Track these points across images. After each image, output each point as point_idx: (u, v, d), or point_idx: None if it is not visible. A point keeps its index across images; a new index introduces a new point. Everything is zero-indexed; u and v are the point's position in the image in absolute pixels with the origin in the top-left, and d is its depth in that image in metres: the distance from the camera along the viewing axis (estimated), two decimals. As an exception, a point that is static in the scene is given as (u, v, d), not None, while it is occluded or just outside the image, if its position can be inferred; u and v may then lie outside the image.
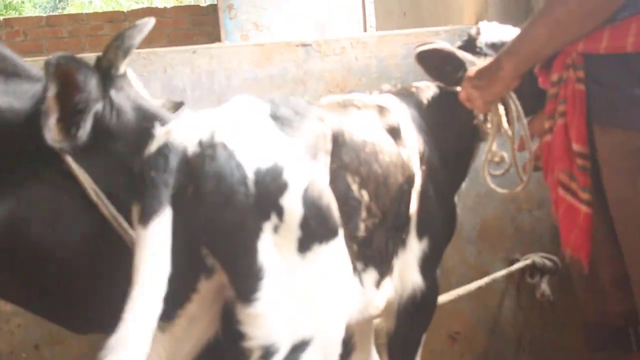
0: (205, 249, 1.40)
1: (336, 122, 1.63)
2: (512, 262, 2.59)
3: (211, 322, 1.56)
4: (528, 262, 2.54)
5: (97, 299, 1.74)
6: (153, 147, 1.37)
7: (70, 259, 1.73)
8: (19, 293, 1.79)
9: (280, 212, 1.33)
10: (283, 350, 1.42)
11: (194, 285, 1.48)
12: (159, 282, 1.30)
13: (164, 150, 1.33)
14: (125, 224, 1.65)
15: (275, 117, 1.44)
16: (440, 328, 2.41)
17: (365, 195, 1.73)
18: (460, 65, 2.04)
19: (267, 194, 1.32)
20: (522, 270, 2.59)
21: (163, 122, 1.55)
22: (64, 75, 1.50)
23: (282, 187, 1.34)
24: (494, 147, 2.06)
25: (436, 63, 2.11)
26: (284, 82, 2.65)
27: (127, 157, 1.69)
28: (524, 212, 2.66)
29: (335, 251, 1.54)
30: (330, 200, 1.46)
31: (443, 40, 2.34)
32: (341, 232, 1.52)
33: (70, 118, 1.54)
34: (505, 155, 2.04)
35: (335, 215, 1.47)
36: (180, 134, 1.33)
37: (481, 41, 2.11)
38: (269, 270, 1.39)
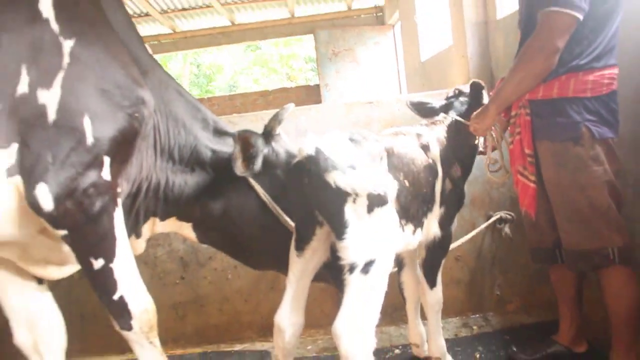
0: (317, 211, 2.12)
1: (388, 142, 2.32)
2: (488, 217, 3.56)
3: (325, 251, 2.26)
4: (497, 216, 3.51)
5: (268, 252, 2.52)
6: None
7: (252, 230, 2.47)
8: (229, 248, 2.59)
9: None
10: (360, 265, 2.04)
11: (314, 231, 2.19)
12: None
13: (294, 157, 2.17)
14: (282, 212, 2.40)
15: (351, 140, 2.16)
16: (449, 254, 3.00)
17: (406, 183, 2.29)
18: (431, 108, 2.85)
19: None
20: (495, 221, 3.51)
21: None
22: (243, 140, 2.28)
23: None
24: (491, 154, 2.79)
25: (419, 107, 2.88)
26: (358, 124, 3.60)
27: (282, 177, 2.44)
28: (495, 189, 3.62)
29: (387, 212, 2.11)
30: (385, 182, 2.13)
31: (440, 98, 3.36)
32: (391, 202, 2.11)
33: (248, 160, 2.30)
34: (498, 158, 2.80)
35: (387, 189, 2.11)
36: (303, 149, 2.04)
37: (454, 96, 2.89)
38: (351, 222, 2.01)
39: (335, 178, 1.97)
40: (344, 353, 2.03)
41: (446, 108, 2.84)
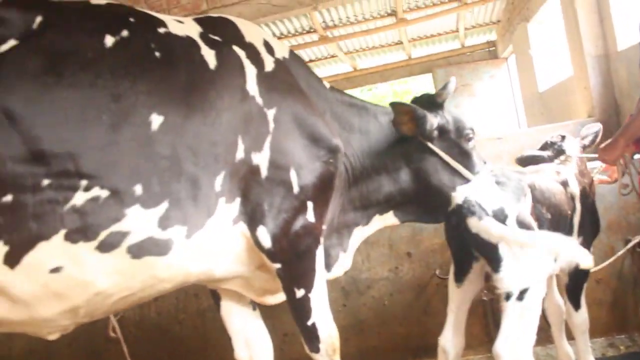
0: (474, 249, 2.52)
1: (530, 179, 2.69)
2: (627, 241, 3.71)
3: (479, 282, 2.64)
4: (637, 240, 3.60)
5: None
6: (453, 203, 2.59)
7: (438, 190, 2.75)
8: (423, 214, 2.89)
9: None
10: (515, 293, 2.39)
11: (470, 265, 2.59)
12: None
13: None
14: (460, 167, 2.69)
15: (497, 183, 2.56)
16: (590, 277, 3.14)
17: (548, 215, 2.65)
18: (542, 158, 3.13)
19: (499, 220, 2.39)
20: (634, 245, 3.64)
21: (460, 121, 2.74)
22: (396, 107, 2.64)
23: (505, 216, 2.42)
24: (623, 180, 2.99)
25: (530, 161, 3.19)
26: (489, 158, 3.41)
27: (455, 139, 2.75)
28: (631, 214, 3.84)
29: None
30: (529, 218, 2.49)
31: (567, 129, 3.87)
32: (535, 230, 2.45)
33: (415, 123, 2.63)
34: (629, 182, 2.98)
35: (532, 223, 2.47)
36: (456, 198, 2.57)
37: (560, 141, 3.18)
38: (505, 257, 2.38)
39: (487, 226, 2.37)
40: None
41: (557, 154, 3.12)
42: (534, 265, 2.41)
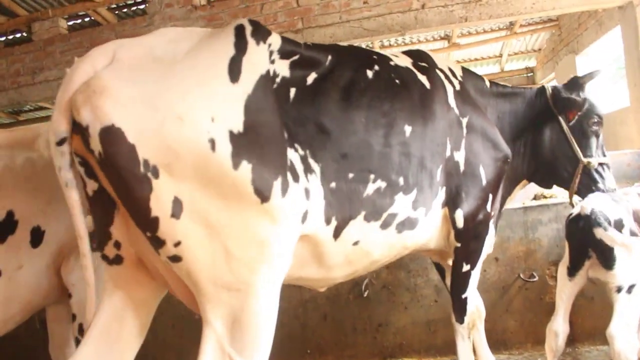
0: (590, 249, 3.09)
1: (635, 200, 3.29)
2: None
3: (585, 278, 3.17)
4: None
5: (565, 171, 3.37)
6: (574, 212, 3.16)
7: (560, 158, 3.33)
8: (547, 178, 3.43)
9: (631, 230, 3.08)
10: (625, 287, 2.94)
11: (583, 262, 3.12)
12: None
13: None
14: (575, 145, 3.26)
15: (612, 200, 3.17)
16: None
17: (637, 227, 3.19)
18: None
19: (617, 229, 2.98)
20: None
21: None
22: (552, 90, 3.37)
23: (622, 226, 3.04)
24: None
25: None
26: None
27: (581, 119, 3.28)
28: None
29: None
30: (635, 229, 3.11)
31: (625, 158, 4.63)
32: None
33: (561, 101, 3.29)
34: None
35: (638, 233, 3.11)
36: (584, 208, 3.07)
37: None
38: (618, 257, 2.92)
39: (612, 236, 2.94)
40: (617, 350, 2.93)
41: None
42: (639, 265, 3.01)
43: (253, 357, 1.88)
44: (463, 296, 3.00)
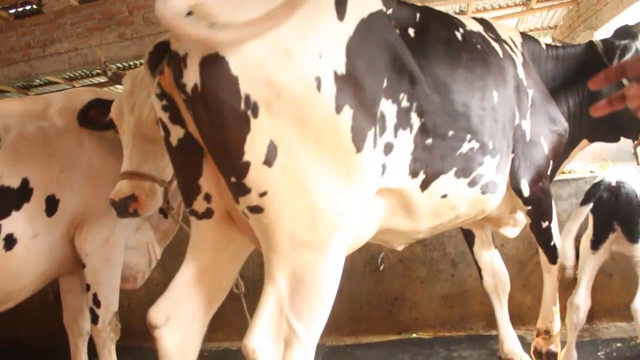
0: (615, 222, 3.10)
1: None
2: None
3: (609, 251, 3.21)
4: None
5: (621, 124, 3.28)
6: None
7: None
8: (609, 133, 3.35)
9: None
10: None
11: (607, 235, 3.15)
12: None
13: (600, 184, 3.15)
14: None
15: (639, 172, 3.19)
16: None
17: None
18: None
19: None
20: None
21: None
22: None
23: None
24: None
25: None
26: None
27: None
28: None
29: None
30: None
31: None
32: None
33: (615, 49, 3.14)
34: None
35: None
36: (608, 179, 3.12)
37: None
38: None
39: (636, 199, 2.95)
40: None
41: None
42: None
43: (310, 325, 1.78)
44: (551, 244, 3.12)
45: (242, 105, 1.61)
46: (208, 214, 2.00)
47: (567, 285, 4.19)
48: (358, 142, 1.77)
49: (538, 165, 2.81)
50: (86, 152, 3.12)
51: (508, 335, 3.49)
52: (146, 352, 4.66)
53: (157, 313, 2.01)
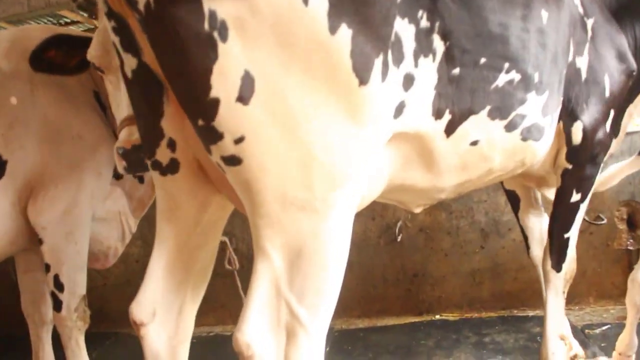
0: None
1: None
2: None
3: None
4: None
5: None
6: None
7: None
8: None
9: None
10: None
11: None
12: None
13: None
14: None
15: None
16: None
17: None
18: None
19: None
20: None
21: None
22: None
23: None
24: None
25: None
26: None
27: None
28: None
29: None
30: None
31: None
32: None
33: None
34: None
35: None
36: None
37: None
38: None
39: None
40: None
41: None
42: None
43: (317, 309, 1.49)
44: (566, 235, 2.54)
45: (206, 26, 1.33)
46: (173, 166, 1.73)
47: (618, 258, 3.61)
48: (361, 71, 1.46)
49: (596, 109, 2.40)
50: (40, 102, 2.76)
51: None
52: (124, 339, 4.27)
53: (140, 308, 1.78)
